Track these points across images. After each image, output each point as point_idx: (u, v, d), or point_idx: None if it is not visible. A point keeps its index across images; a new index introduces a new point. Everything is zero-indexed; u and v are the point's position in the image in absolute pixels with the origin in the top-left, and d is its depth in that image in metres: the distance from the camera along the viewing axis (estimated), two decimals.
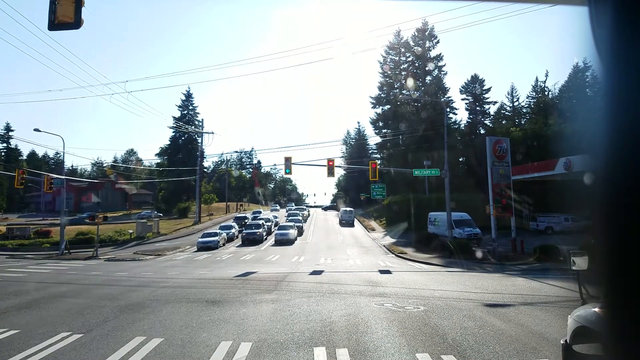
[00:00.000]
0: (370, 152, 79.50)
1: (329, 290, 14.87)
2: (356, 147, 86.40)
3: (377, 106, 66.77)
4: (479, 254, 26.79)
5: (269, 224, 47.83)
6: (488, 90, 66.16)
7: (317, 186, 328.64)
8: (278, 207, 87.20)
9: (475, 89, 65.52)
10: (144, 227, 46.80)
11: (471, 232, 32.84)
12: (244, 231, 41.72)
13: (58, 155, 70.09)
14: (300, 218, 55.42)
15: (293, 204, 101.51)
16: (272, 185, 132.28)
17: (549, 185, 38.00)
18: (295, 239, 39.66)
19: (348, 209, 61.25)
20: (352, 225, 56.23)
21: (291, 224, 44.02)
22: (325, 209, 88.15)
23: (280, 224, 45.33)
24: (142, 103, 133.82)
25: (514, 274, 20.20)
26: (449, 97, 63.03)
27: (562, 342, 6.22)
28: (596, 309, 5.70)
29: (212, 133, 71.14)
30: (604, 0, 0.84)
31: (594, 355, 5.54)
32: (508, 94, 69.04)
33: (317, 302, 12.71)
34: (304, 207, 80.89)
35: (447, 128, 35.49)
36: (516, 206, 29.68)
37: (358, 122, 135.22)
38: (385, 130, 65.53)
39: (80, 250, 35.34)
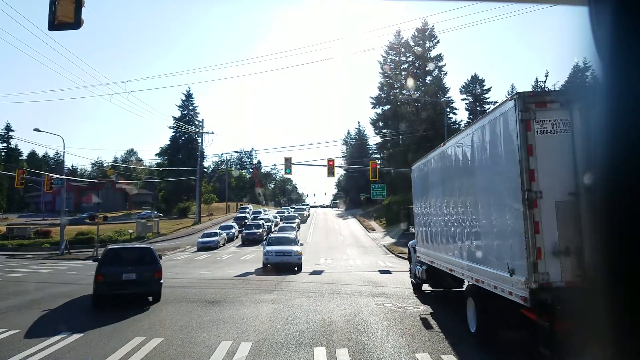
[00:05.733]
0: (370, 152, 79.37)
1: (329, 290, 14.87)
2: (356, 147, 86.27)
3: (377, 106, 66.76)
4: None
5: (269, 224, 47.68)
6: (488, 90, 66.16)
7: (317, 186, 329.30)
8: (243, 213, 60.58)
9: (475, 89, 65.46)
10: (144, 227, 46.75)
11: None
12: (244, 231, 41.63)
13: (58, 155, 70.01)
14: (298, 220, 53.51)
15: (247, 208, 71.49)
16: (272, 185, 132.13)
17: None
18: (301, 263, 21.62)
19: (337, 201, 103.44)
20: (337, 207, 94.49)
21: (287, 242, 24.20)
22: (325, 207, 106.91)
23: (263, 244, 26.66)
24: (142, 103, 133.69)
25: None
26: (449, 97, 62.89)
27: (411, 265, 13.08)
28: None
29: (212, 133, 70.97)
30: (604, 0, 0.84)
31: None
32: (508, 94, 68.74)
33: (317, 302, 12.71)
34: (304, 207, 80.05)
35: (448, 128, 35.46)
36: None
37: (358, 122, 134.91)
38: (385, 130, 65.48)
39: (81, 250, 35.25)
